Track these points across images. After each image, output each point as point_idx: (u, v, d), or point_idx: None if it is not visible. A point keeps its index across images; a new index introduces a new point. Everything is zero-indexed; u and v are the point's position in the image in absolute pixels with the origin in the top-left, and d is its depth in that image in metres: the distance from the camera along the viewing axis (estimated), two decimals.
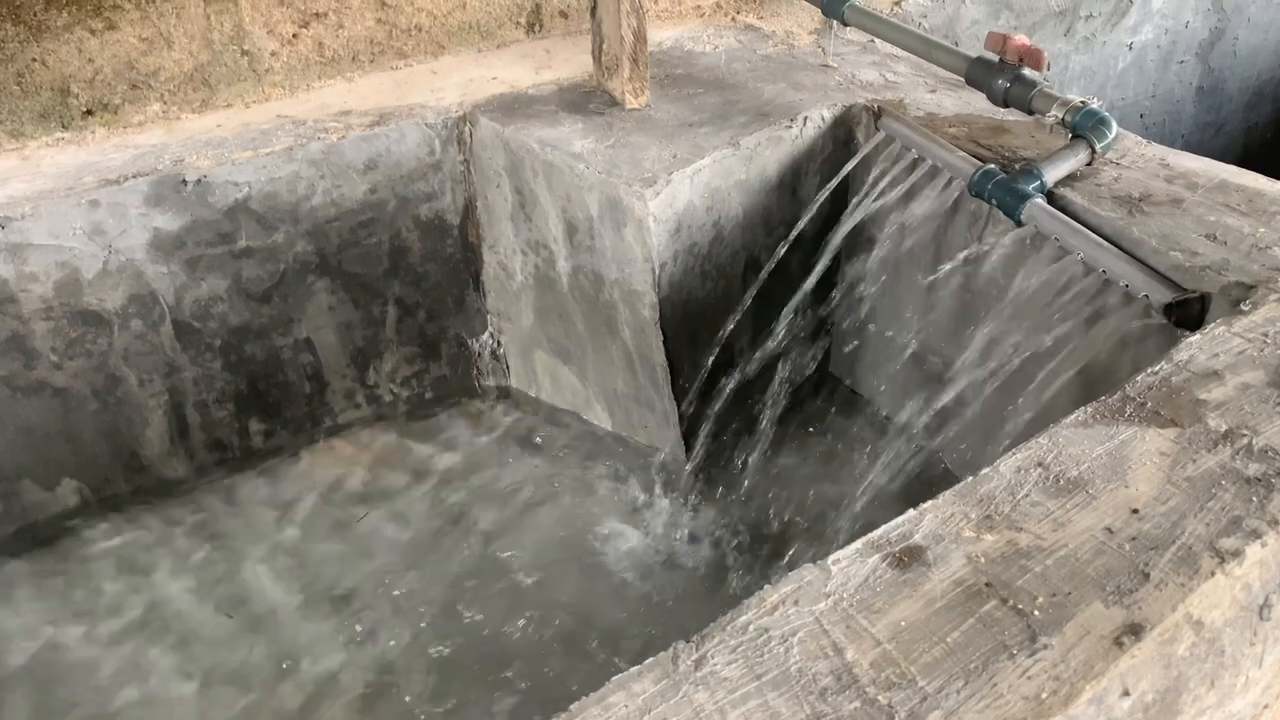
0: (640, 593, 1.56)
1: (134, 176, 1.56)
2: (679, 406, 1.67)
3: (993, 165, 1.44)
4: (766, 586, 0.77)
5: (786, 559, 1.59)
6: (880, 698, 0.68)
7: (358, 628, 1.51)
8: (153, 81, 1.75)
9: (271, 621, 1.52)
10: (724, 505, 1.69)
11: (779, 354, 1.73)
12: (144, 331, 1.61)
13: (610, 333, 1.71)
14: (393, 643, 1.48)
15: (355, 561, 1.61)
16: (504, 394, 1.97)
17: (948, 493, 0.86)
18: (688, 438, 1.71)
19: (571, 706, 0.68)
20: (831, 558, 0.80)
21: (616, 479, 1.75)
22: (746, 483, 1.72)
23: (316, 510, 1.72)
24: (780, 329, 1.70)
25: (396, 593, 1.56)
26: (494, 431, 1.86)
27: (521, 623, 1.51)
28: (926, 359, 1.72)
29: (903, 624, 0.74)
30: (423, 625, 1.51)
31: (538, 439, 1.85)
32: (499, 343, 1.94)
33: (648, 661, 0.71)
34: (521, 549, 1.64)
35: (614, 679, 0.70)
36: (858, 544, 0.81)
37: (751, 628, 0.74)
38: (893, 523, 0.83)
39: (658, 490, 1.71)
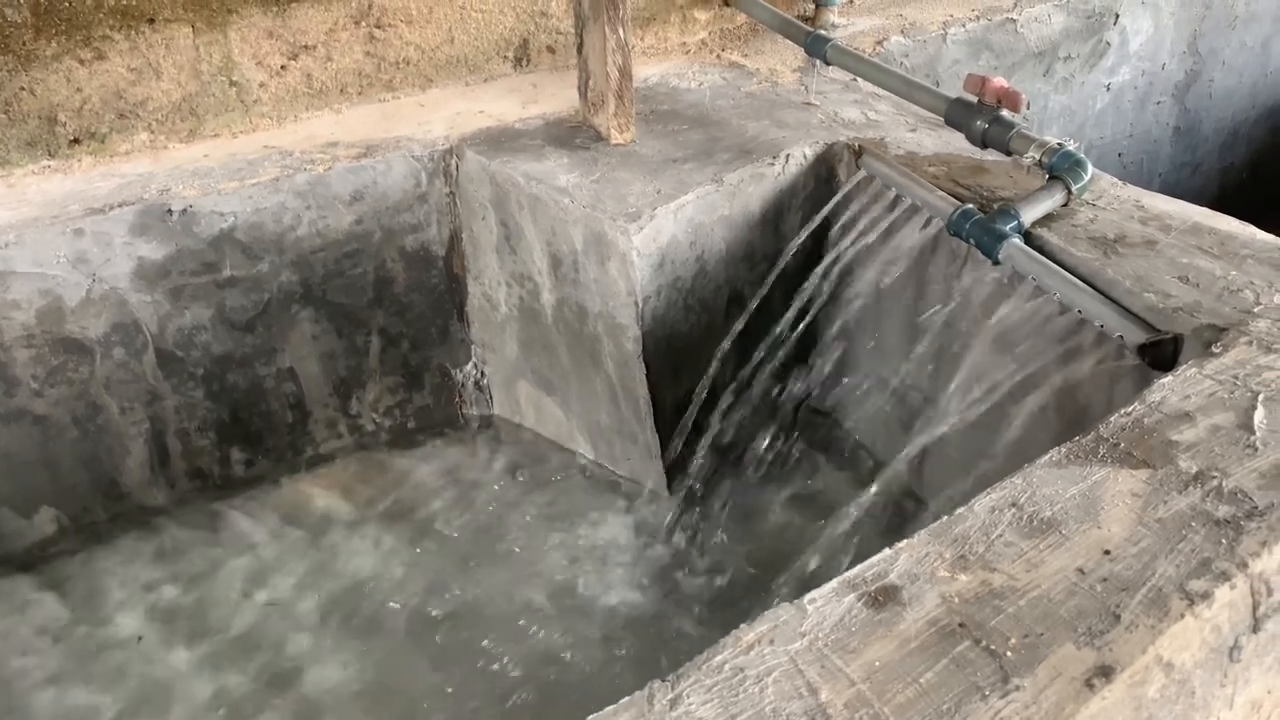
0: (618, 627, 1.55)
1: (120, 205, 1.57)
2: (661, 439, 1.68)
3: (971, 205, 1.46)
4: (743, 625, 0.78)
5: (769, 591, 1.59)
6: None
7: (331, 658, 1.50)
8: (140, 111, 1.76)
9: (241, 649, 1.51)
10: (704, 539, 1.69)
11: (761, 388, 1.74)
12: (126, 360, 1.61)
13: (594, 365, 1.72)
14: (358, 670, 1.47)
15: (331, 589, 1.60)
16: (487, 424, 1.97)
17: (923, 532, 0.87)
18: (670, 471, 1.71)
19: None
20: (808, 597, 0.80)
21: (598, 511, 1.74)
22: (727, 517, 1.72)
23: (295, 539, 1.71)
24: (762, 363, 1.72)
25: (371, 619, 1.56)
26: (476, 462, 1.86)
27: (496, 655, 1.51)
28: (907, 394, 1.73)
29: (877, 664, 0.74)
30: (394, 653, 1.50)
31: (520, 470, 1.84)
32: (483, 373, 1.94)
33: (623, 701, 0.72)
34: (501, 580, 1.63)
35: (591, 717, 0.70)
36: (834, 583, 0.81)
37: (727, 667, 0.74)
38: (868, 562, 0.84)
39: (639, 524, 1.71)
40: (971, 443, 1.53)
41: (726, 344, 1.68)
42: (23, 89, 1.65)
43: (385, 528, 1.73)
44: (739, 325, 1.68)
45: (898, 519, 1.65)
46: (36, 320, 1.53)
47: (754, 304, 1.69)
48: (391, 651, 1.51)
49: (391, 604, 1.59)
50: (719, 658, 0.75)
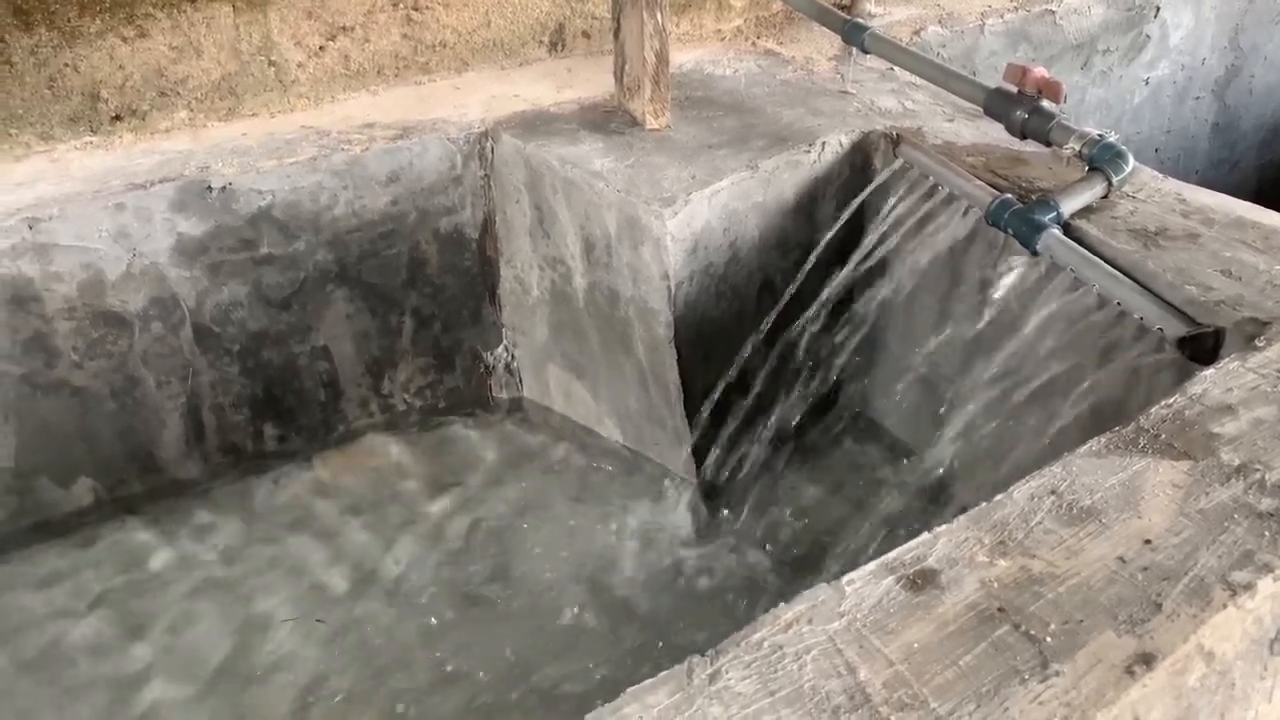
0: (643, 610, 1.56)
1: (160, 182, 1.59)
2: (690, 425, 1.68)
3: (1009, 195, 1.45)
4: (781, 604, 0.78)
5: (792, 578, 1.60)
6: (893, 717, 0.69)
7: (356, 633, 1.51)
8: (181, 89, 1.78)
9: (267, 623, 1.53)
10: (731, 526, 1.70)
11: (792, 376, 1.74)
12: (164, 334, 1.63)
13: (624, 350, 1.72)
14: (386, 643, 1.49)
15: (359, 567, 1.62)
16: (516, 407, 1.98)
17: (961, 518, 0.87)
18: (698, 456, 1.71)
19: (587, 717, 0.68)
20: (846, 578, 0.80)
21: (626, 495, 1.75)
22: (754, 504, 1.72)
23: (325, 515, 1.72)
24: (793, 351, 1.71)
25: (400, 597, 1.57)
26: (505, 444, 1.87)
27: (524, 634, 1.52)
28: (939, 385, 1.73)
29: (915, 645, 0.74)
30: (428, 627, 1.52)
31: (549, 453, 1.85)
32: (513, 356, 1.95)
33: (662, 674, 0.72)
34: (529, 561, 1.64)
35: (629, 690, 0.71)
36: (872, 565, 0.81)
37: (766, 644, 0.74)
38: (907, 545, 0.84)
39: (667, 508, 1.72)
40: (1003, 434, 1.53)
41: (758, 331, 1.68)
42: (67, 65, 1.67)
43: (416, 505, 1.74)
44: (771, 312, 1.68)
45: (926, 509, 1.64)
46: (78, 293, 1.55)
47: (787, 291, 1.69)
48: (417, 623, 1.53)
49: (419, 577, 1.60)
50: (758, 635, 0.75)
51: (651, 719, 0.69)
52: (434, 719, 1.41)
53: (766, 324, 1.69)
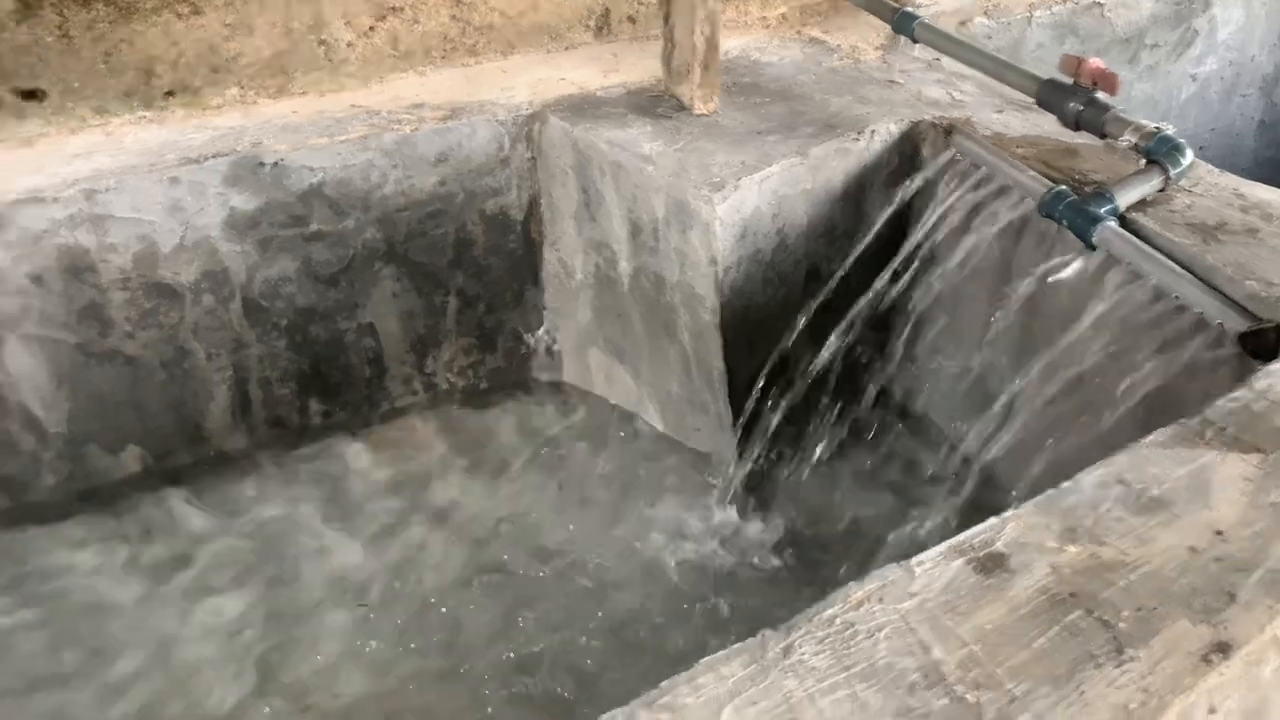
0: (681, 594, 1.57)
1: (214, 156, 1.60)
2: (733, 412, 1.68)
3: (1064, 187, 1.44)
4: (851, 583, 0.78)
5: (830, 567, 1.60)
6: (969, 696, 0.69)
7: (401, 614, 1.53)
8: (233, 66, 1.79)
9: (298, 593, 1.55)
10: (773, 514, 1.70)
11: (837, 365, 1.73)
12: (214, 307, 1.65)
13: (668, 335, 1.72)
14: (423, 622, 1.50)
15: (400, 544, 1.63)
16: (556, 389, 1.99)
17: (1028, 504, 0.87)
18: (740, 444, 1.71)
19: (662, 684, 0.69)
20: (914, 559, 0.81)
21: (665, 480, 1.76)
22: (794, 492, 1.72)
23: (365, 492, 1.74)
24: (839, 340, 1.71)
25: (438, 576, 1.58)
26: (545, 425, 1.88)
27: (568, 619, 1.53)
28: (987, 378, 1.72)
29: (988, 627, 0.75)
30: (462, 608, 1.53)
31: (588, 435, 1.86)
32: (554, 339, 1.96)
33: (734, 646, 0.73)
34: (570, 542, 1.65)
35: (702, 661, 0.71)
36: (941, 547, 0.82)
37: (838, 621, 0.75)
38: (975, 529, 0.84)
39: (707, 494, 1.72)
40: (1053, 428, 1.52)
41: (803, 319, 1.68)
42: (122, 41, 1.69)
43: (456, 485, 1.75)
44: (817, 300, 1.68)
45: (969, 501, 1.63)
46: (133, 264, 1.57)
47: (833, 280, 1.68)
48: (459, 600, 1.54)
49: (457, 557, 1.61)
50: (829, 612, 0.75)
51: (727, 689, 0.69)
52: (451, 707, 1.41)
53: (812, 312, 1.68)
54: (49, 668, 1.44)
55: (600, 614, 1.54)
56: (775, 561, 1.60)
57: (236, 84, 1.80)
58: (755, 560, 1.60)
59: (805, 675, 0.70)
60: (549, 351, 1.97)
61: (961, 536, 0.83)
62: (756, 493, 1.72)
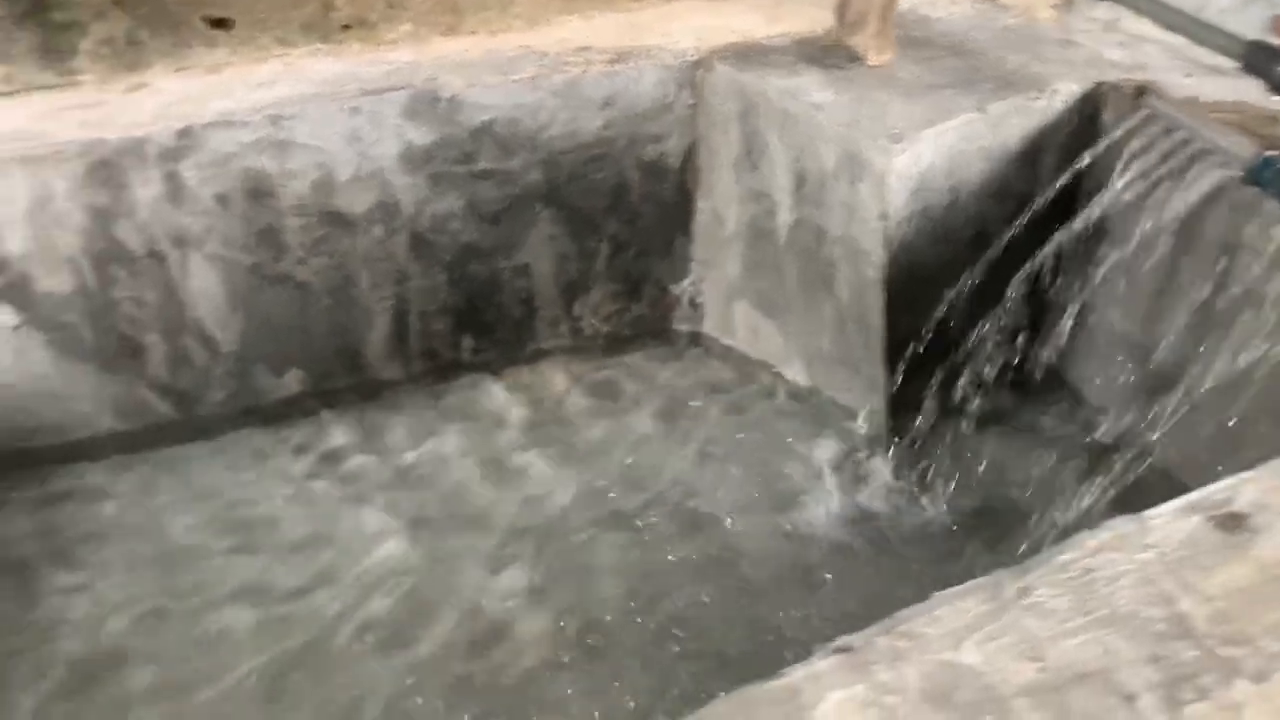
0: (829, 559, 1.54)
1: (391, 89, 1.64)
2: (888, 372, 1.65)
3: (1277, 153, 1.36)
4: (1083, 532, 0.76)
5: (984, 539, 1.56)
6: (1220, 651, 0.66)
7: (552, 555, 1.55)
8: (407, 2, 1.82)
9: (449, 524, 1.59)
10: (918, 480, 1.66)
11: (995, 333, 1.68)
12: (383, 238, 1.69)
13: (825, 290, 1.70)
14: (549, 566, 1.53)
15: (533, 485, 1.65)
16: (695, 341, 1.98)
17: (1265, 466, 0.83)
18: (892, 406, 1.68)
19: (898, 613, 0.68)
20: (1148, 513, 0.78)
21: (810, 439, 1.74)
22: (943, 460, 1.68)
23: (506, 432, 1.77)
24: (1000, 306, 1.65)
25: (567, 522, 1.61)
26: (687, 375, 1.88)
27: (694, 575, 1.52)
28: (1155, 356, 1.64)
29: (1236, 586, 0.71)
30: (593, 556, 1.54)
31: (730, 389, 1.85)
32: (699, 290, 1.95)
33: (969, 584, 0.71)
34: (708, 497, 1.65)
35: (936, 595, 0.70)
36: (1176, 503, 0.78)
37: (1075, 566, 0.73)
38: (1211, 487, 0.80)
39: (852, 455, 1.70)
40: (1229, 415, 1.45)
41: (967, 282, 1.63)
42: None
43: (596, 431, 1.77)
44: (983, 262, 1.62)
45: (1134, 487, 1.57)
46: (310, 191, 1.62)
47: (1001, 243, 1.63)
48: (590, 548, 1.56)
49: (590, 505, 1.62)
50: (1064, 557, 0.73)
51: (965, 623, 0.68)
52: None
53: (976, 275, 1.63)
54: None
55: (736, 579, 1.52)
56: (930, 522, 1.57)
57: (410, 20, 1.84)
58: (909, 521, 1.57)
59: (1046, 616, 0.68)
60: (692, 303, 1.97)
61: (1197, 494, 0.79)
62: (903, 455, 1.69)
